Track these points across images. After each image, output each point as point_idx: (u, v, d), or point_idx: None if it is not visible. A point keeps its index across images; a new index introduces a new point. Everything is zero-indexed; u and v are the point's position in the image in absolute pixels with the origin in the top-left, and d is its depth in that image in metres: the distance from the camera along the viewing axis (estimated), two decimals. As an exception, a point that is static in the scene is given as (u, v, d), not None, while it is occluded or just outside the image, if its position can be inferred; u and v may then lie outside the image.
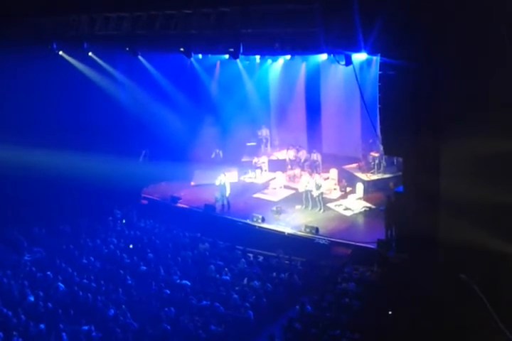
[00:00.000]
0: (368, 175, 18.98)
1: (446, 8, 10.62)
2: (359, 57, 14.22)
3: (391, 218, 13.97)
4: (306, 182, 18.05)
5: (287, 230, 16.44)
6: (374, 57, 14.70)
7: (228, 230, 17.05)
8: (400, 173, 15.61)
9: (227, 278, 14.20)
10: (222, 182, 18.39)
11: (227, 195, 18.25)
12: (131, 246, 16.20)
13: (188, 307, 12.65)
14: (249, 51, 15.17)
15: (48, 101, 17.66)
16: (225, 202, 18.18)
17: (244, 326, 12.14)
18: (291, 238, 16.20)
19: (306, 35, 12.98)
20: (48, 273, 14.18)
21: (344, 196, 18.60)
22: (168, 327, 11.76)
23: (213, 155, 20.59)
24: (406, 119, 11.65)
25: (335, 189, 19.03)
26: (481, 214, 10.62)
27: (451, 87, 11.14)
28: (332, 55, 14.17)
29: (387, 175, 18.73)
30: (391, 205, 14.08)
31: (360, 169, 19.50)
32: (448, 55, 10.93)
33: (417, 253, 12.37)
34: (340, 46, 12.73)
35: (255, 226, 16.90)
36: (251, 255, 15.58)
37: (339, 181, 19.21)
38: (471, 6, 10.34)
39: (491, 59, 10.37)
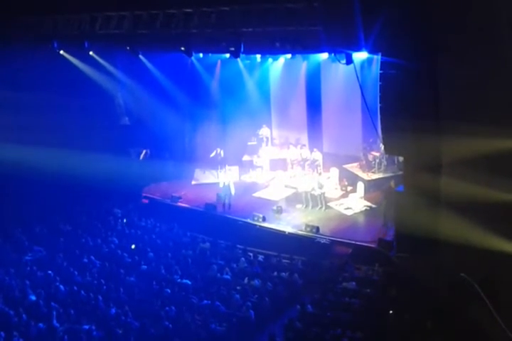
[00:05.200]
0: (369, 174, 18.98)
1: (447, 8, 10.62)
2: (360, 56, 14.22)
3: (389, 216, 14.02)
4: (307, 181, 18.07)
5: (288, 229, 16.45)
6: (375, 56, 14.70)
7: (229, 229, 17.05)
8: (401, 172, 15.64)
9: (228, 277, 14.21)
10: (226, 183, 18.40)
11: (232, 194, 18.24)
12: (133, 246, 16.18)
13: (188, 307, 12.65)
14: (250, 50, 15.16)
15: (49, 100, 17.65)
16: (227, 202, 18.17)
17: (245, 325, 12.14)
18: (292, 237, 16.20)
19: (306, 34, 12.99)
20: (49, 272, 14.18)
21: (345, 195, 18.62)
22: (169, 325, 11.77)
23: (213, 155, 20.57)
24: (407, 118, 11.66)
25: (336, 188, 19.03)
26: (481, 213, 10.62)
27: (451, 87, 11.14)
28: (333, 54, 14.15)
29: (388, 174, 18.72)
30: (388, 204, 14.14)
31: (361, 168, 19.50)
32: (448, 55, 10.93)
33: (417, 252, 12.38)
34: (341, 45, 12.72)
35: (256, 225, 16.91)
36: (251, 254, 15.57)
37: (340, 180, 19.22)
38: (471, 6, 10.34)
39: (491, 58, 10.37)
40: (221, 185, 18.60)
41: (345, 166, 19.86)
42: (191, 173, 21.38)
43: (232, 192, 18.29)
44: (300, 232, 16.20)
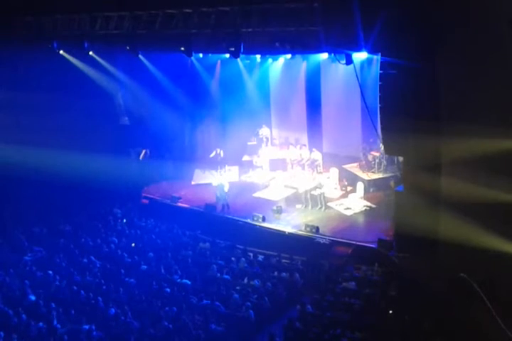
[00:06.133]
0: (369, 174, 18.97)
1: (446, 8, 10.63)
2: (360, 56, 14.22)
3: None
4: (307, 181, 18.07)
5: (288, 229, 16.44)
6: (375, 57, 14.70)
7: (229, 229, 17.05)
8: (401, 172, 15.64)
9: (228, 277, 14.21)
10: (219, 182, 18.41)
11: (225, 194, 18.23)
12: (133, 244, 16.23)
13: (188, 307, 12.66)
14: (250, 50, 15.15)
15: (49, 100, 17.65)
16: (225, 202, 18.16)
17: (245, 325, 12.15)
18: (292, 237, 16.19)
19: (306, 34, 13.00)
20: (49, 272, 14.19)
21: (345, 195, 18.60)
22: (169, 325, 11.77)
23: (212, 155, 20.58)
24: (406, 118, 11.66)
25: (335, 188, 19.03)
26: (481, 213, 10.63)
27: (451, 87, 11.15)
28: (333, 54, 14.19)
29: (387, 175, 18.73)
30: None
31: (361, 168, 19.49)
32: (448, 55, 10.93)
33: (417, 252, 12.39)
34: (341, 45, 12.74)
35: (256, 225, 16.89)
36: (251, 254, 15.58)
37: (340, 180, 19.22)
38: (471, 6, 10.34)
39: (491, 58, 10.37)
40: (214, 184, 18.56)
41: (344, 166, 19.85)
42: (191, 173, 21.38)
43: (225, 190, 18.24)
44: (300, 232, 16.19)
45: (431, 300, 11.30)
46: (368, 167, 19.20)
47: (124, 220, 18.14)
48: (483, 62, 10.44)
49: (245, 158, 21.64)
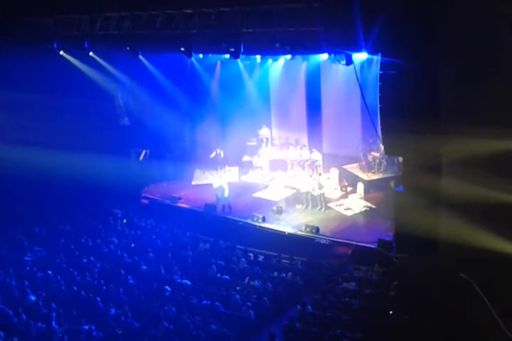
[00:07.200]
0: (369, 174, 18.99)
1: (446, 8, 10.63)
2: (360, 56, 14.21)
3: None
4: (307, 182, 18.08)
5: (288, 230, 16.46)
6: (375, 57, 14.67)
7: (229, 230, 17.06)
8: (401, 173, 15.63)
9: (228, 277, 14.21)
10: (219, 184, 18.41)
11: (226, 195, 18.22)
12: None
13: (188, 307, 12.65)
14: (250, 51, 15.15)
15: (49, 101, 17.66)
16: (226, 204, 18.15)
17: (245, 325, 12.15)
18: (292, 237, 16.21)
19: (306, 35, 12.99)
20: (49, 272, 14.19)
21: (345, 196, 18.62)
22: (169, 326, 11.76)
23: (212, 155, 20.61)
24: (406, 119, 11.64)
25: (335, 189, 19.04)
26: (481, 213, 10.62)
27: (451, 87, 11.14)
28: (333, 55, 14.16)
29: (387, 175, 18.74)
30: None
31: (361, 169, 19.51)
32: (448, 56, 10.93)
33: (417, 252, 12.38)
34: (341, 46, 12.71)
35: (256, 225, 16.91)
36: (251, 254, 15.58)
37: (340, 181, 19.22)
38: (471, 6, 10.35)
39: (490, 59, 10.38)
40: (215, 186, 18.60)
41: (345, 167, 19.88)
42: (191, 174, 21.40)
43: (226, 193, 18.23)
44: (300, 233, 16.21)
45: (431, 300, 11.29)
46: (368, 167, 19.22)
47: (124, 220, 18.16)
48: (483, 63, 10.44)
49: (245, 158, 21.66)
